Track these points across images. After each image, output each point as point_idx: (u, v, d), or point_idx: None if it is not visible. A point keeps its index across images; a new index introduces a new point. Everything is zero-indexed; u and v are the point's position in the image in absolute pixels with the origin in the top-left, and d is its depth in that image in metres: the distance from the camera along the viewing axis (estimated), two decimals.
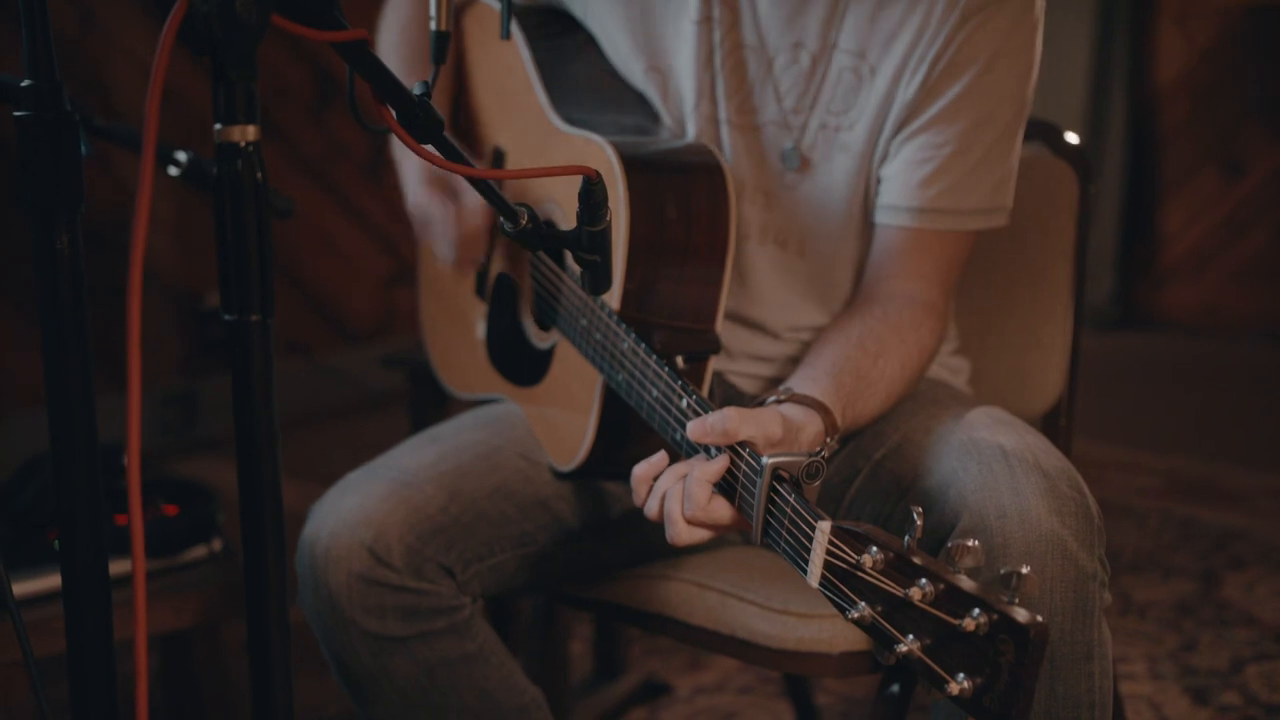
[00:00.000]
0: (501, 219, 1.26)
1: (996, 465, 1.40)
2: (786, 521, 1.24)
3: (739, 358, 1.71)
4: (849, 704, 2.47)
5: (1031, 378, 1.84)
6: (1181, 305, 5.09)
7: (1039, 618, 1.00)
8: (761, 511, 1.27)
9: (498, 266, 1.81)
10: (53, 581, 1.81)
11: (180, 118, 3.68)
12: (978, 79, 1.55)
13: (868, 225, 1.65)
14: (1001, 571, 1.03)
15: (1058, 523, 1.36)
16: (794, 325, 1.69)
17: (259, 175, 0.93)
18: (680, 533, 1.34)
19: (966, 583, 1.04)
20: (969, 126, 1.57)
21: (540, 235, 1.27)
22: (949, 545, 1.07)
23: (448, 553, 1.55)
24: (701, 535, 1.35)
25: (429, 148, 1.14)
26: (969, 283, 1.82)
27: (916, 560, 1.08)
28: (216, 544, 2.00)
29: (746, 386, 1.72)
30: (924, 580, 1.06)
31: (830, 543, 1.17)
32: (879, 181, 1.62)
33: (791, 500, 1.23)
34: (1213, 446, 3.83)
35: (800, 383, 1.47)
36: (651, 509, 1.37)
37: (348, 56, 1.05)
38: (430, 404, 2.44)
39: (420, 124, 1.11)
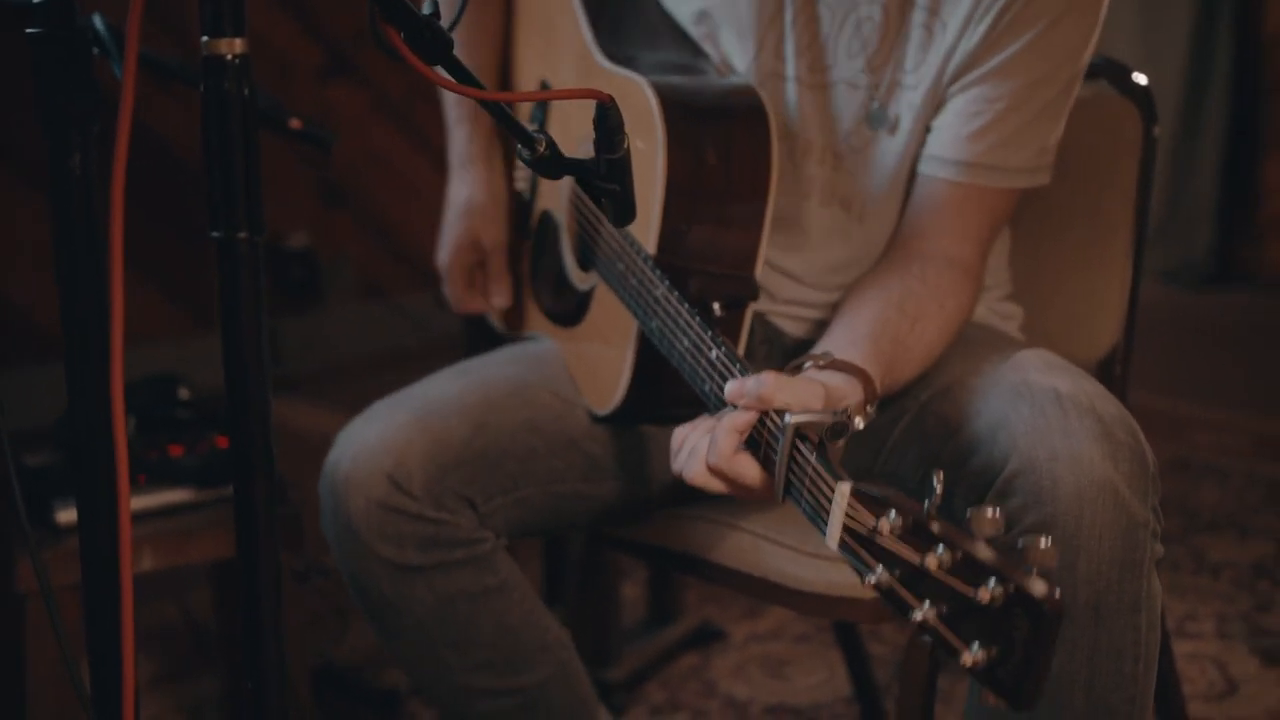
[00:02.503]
0: (519, 145, 1.24)
1: (1050, 408, 1.36)
2: (808, 481, 1.21)
3: (780, 301, 1.67)
4: (902, 654, 2.43)
5: (1086, 325, 1.78)
6: (1266, 263, 4.93)
7: (1056, 592, 0.96)
8: (784, 470, 1.25)
9: (543, 204, 1.79)
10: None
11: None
12: (1042, 35, 1.49)
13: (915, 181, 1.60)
14: (1021, 543, 0.99)
15: (1111, 468, 1.32)
16: (842, 283, 1.64)
17: (246, 90, 0.92)
18: (697, 473, 1.32)
19: (984, 551, 1.01)
20: (1027, 83, 1.51)
21: (557, 163, 1.24)
22: (969, 513, 1.03)
23: (470, 484, 1.55)
24: (717, 485, 1.32)
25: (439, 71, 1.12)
26: (1024, 226, 1.77)
27: (934, 527, 1.05)
28: None
29: (790, 329, 1.69)
30: (941, 547, 1.03)
31: (850, 505, 1.14)
32: (928, 130, 1.57)
33: (813, 460, 1.21)
34: (1263, 401, 3.72)
35: (839, 346, 1.44)
36: (678, 465, 1.35)
37: None
38: (483, 341, 2.45)
39: (428, 44, 1.09)
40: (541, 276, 1.79)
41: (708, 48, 1.64)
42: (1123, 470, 1.33)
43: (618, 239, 1.53)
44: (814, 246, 1.64)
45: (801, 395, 1.29)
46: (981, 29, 1.50)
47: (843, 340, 1.45)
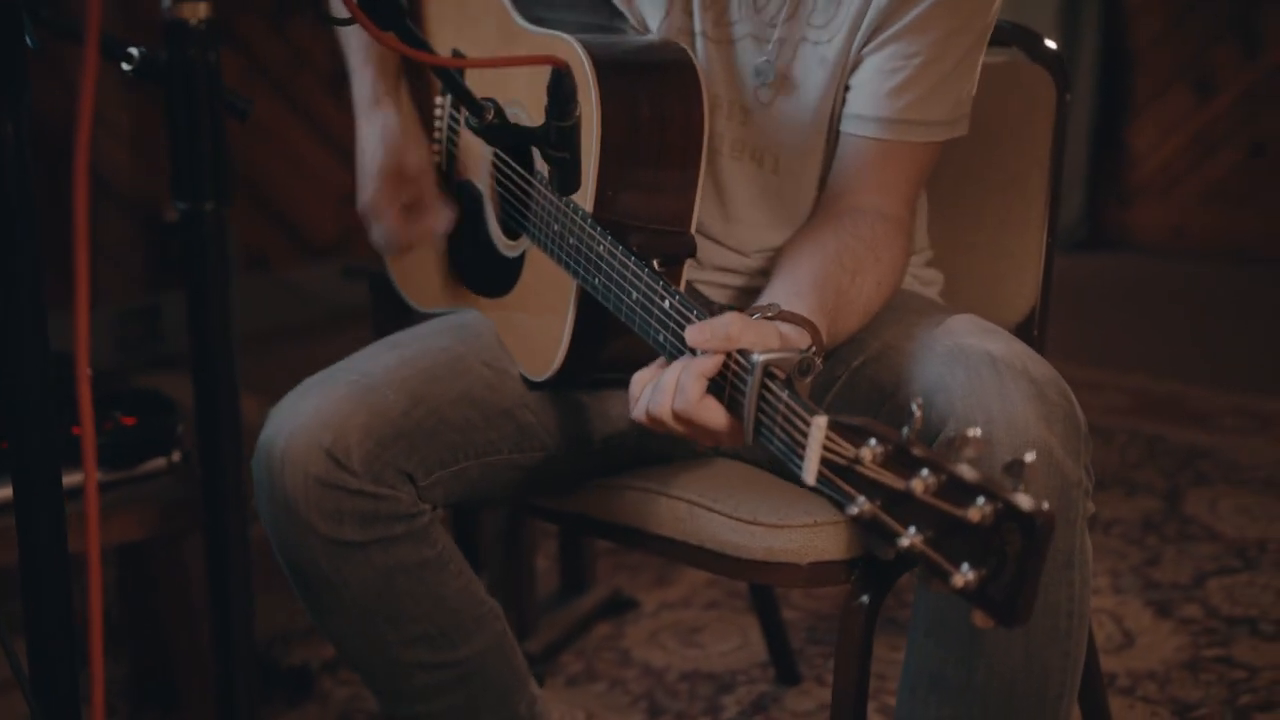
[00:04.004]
0: (466, 114, 1.22)
1: (984, 371, 1.38)
2: (779, 419, 1.21)
3: (708, 269, 1.67)
4: (815, 618, 2.47)
5: (1004, 289, 1.81)
6: (1149, 225, 5.07)
7: (1045, 505, 0.98)
8: (753, 409, 1.24)
9: (460, 174, 1.76)
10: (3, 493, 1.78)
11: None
12: None
13: (837, 137, 1.61)
14: (1007, 459, 1.00)
15: (1044, 429, 1.34)
16: (763, 246, 1.65)
17: (211, 56, 0.89)
18: (662, 412, 1.31)
19: (970, 472, 1.02)
20: (942, 36, 1.53)
21: (507, 131, 1.23)
22: (951, 436, 1.04)
23: (409, 458, 1.52)
24: (680, 429, 1.32)
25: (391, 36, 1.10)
26: (940, 192, 1.79)
27: (917, 452, 1.05)
28: (176, 455, 1.97)
29: (716, 296, 1.69)
30: (925, 471, 1.04)
31: (827, 437, 1.14)
32: (847, 89, 1.58)
33: (784, 397, 1.21)
34: (1179, 367, 3.83)
35: (785, 298, 1.44)
36: (639, 411, 1.34)
37: None
38: (393, 316, 2.40)
39: (383, 9, 1.07)
40: (461, 248, 1.76)
41: (623, 7, 1.63)
42: (1056, 431, 1.36)
43: (552, 201, 1.51)
44: (732, 201, 1.64)
45: (764, 336, 1.30)
46: None
47: (787, 292, 1.46)
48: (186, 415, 2.03)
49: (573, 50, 1.48)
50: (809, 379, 1.23)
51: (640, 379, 1.38)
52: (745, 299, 1.63)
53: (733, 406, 1.29)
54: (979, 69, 1.59)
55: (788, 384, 1.22)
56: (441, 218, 1.71)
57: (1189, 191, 4.99)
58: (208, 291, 0.91)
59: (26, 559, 1.18)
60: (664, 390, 1.32)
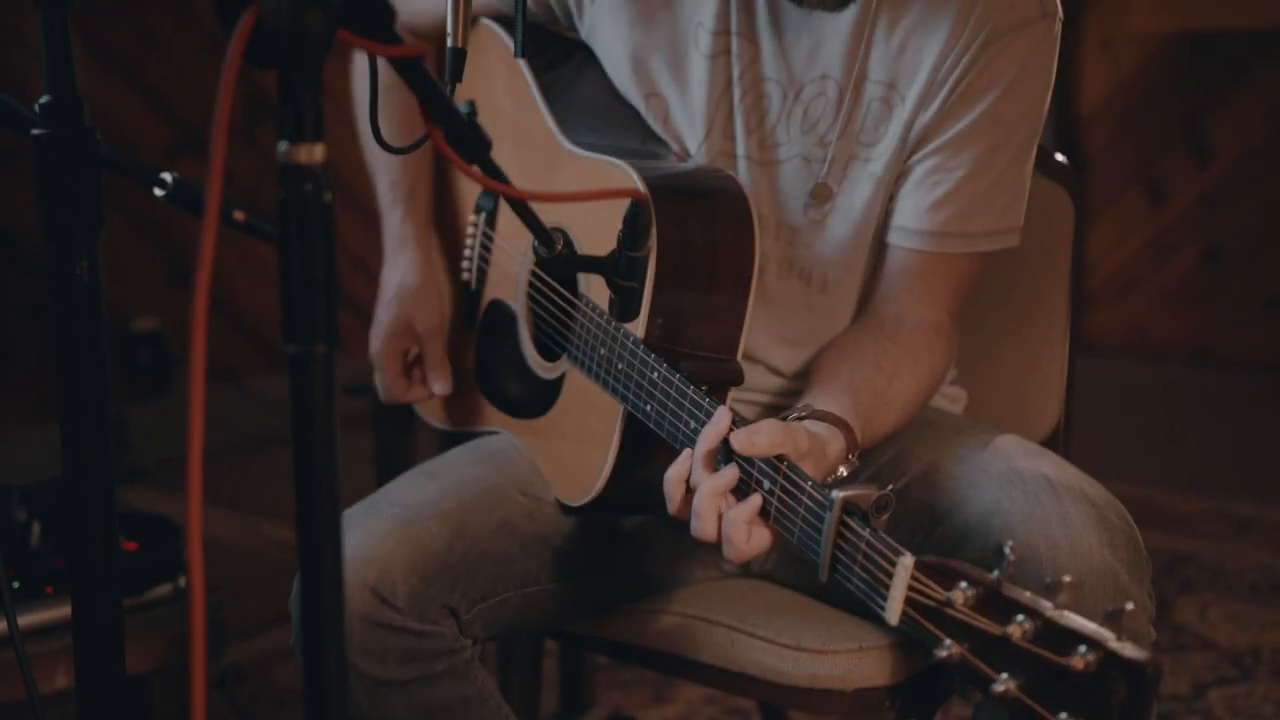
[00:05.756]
0: (536, 243, 1.21)
1: (1044, 495, 1.38)
2: (860, 557, 1.20)
3: (746, 389, 1.66)
4: None
5: (1029, 405, 1.82)
6: (1111, 327, 5.14)
7: (1152, 654, 0.96)
8: (830, 546, 1.23)
9: (491, 294, 1.75)
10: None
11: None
12: (996, 103, 1.53)
13: (881, 248, 1.62)
14: (1108, 608, 0.99)
15: (1109, 555, 1.34)
16: (799, 360, 1.65)
17: (327, 196, 0.87)
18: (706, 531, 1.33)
19: (1071, 619, 1.01)
20: (984, 151, 1.55)
21: (577, 260, 1.22)
22: (1046, 581, 1.03)
23: (452, 593, 1.49)
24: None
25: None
26: (964, 310, 1.80)
27: (1012, 595, 1.05)
28: (182, 581, 1.92)
29: (745, 412, 1.68)
30: (1022, 616, 1.03)
31: (914, 578, 1.13)
32: (890, 199, 1.59)
33: (865, 535, 1.20)
34: (1148, 470, 3.86)
35: (819, 399, 1.45)
36: (709, 531, 1.33)
37: (405, 71, 0.99)
38: (396, 432, 2.38)
39: (469, 143, 1.06)
40: (491, 368, 1.74)
41: (659, 128, 1.63)
42: (1121, 556, 1.35)
43: (598, 324, 1.50)
44: (780, 323, 1.64)
45: (795, 437, 1.32)
46: (937, 102, 1.53)
47: (823, 394, 1.46)
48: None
49: (628, 177, 1.47)
50: (885, 516, 1.22)
51: (673, 476, 1.37)
52: (770, 415, 1.63)
53: (781, 522, 1.29)
54: (1026, 178, 1.61)
55: (864, 520, 1.21)
56: (439, 384, 1.74)
57: (1147, 294, 5.07)
58: (316, 437, 0.88)
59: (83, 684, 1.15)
60: (707, 493, 1.32)
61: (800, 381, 1.63)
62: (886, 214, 1.60)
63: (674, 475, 1.37)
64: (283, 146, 0.87)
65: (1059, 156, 1.84)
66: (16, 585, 1.79)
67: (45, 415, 3.63)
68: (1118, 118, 5.02)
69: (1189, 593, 3.02)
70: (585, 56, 1.69)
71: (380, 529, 1.49)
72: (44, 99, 1.05)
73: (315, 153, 0.87)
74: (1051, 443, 1.80)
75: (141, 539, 1.95)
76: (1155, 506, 3.59)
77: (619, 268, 1.22)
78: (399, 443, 2.52)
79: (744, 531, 1.30)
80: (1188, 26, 4.87)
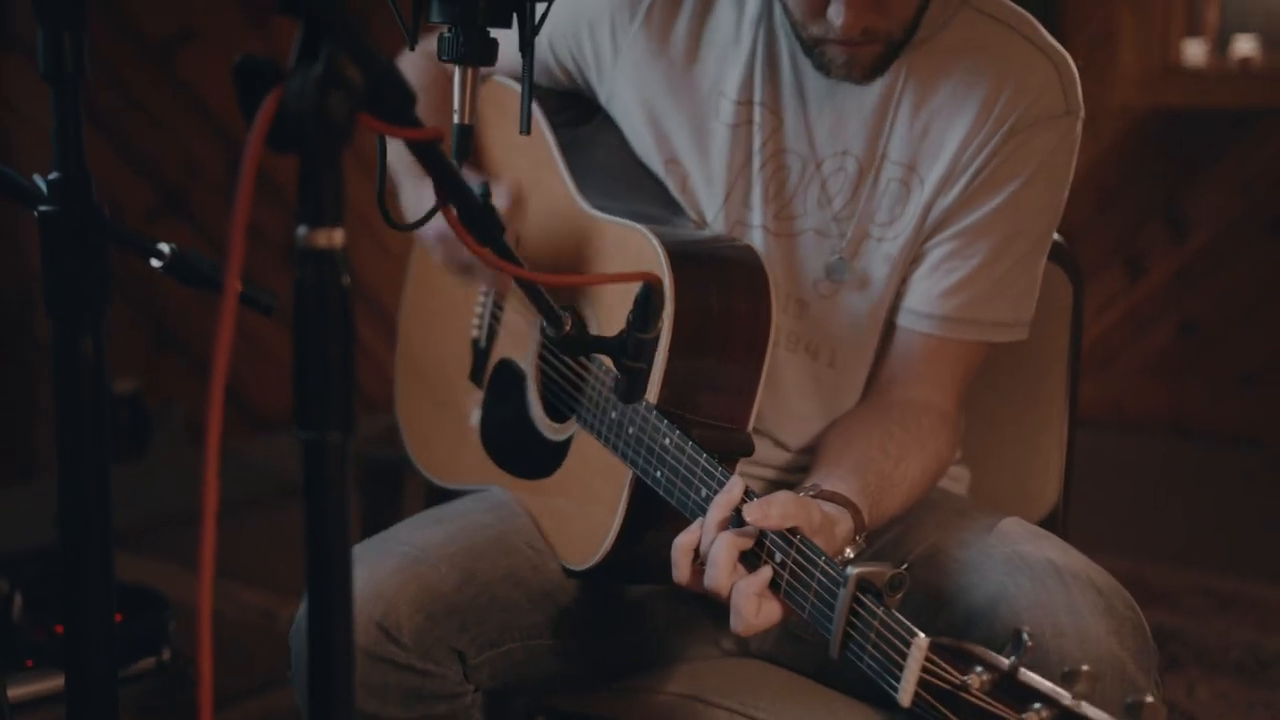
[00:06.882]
0: (544, 323, 1.20)
1: (1050, 581, 1.36)
2: (873, 635, 1.18)
3: (750, 462, 1.65)
4: None
5: (1029, 484, 1.81)
6: (1090, 399, 5.14)
7: None
8: (843, 623, 1.21)
9: (500, 352, 1.73)
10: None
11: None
12: (1016, 194, 1.53)
13: (891, 329, 1.61)
14: (1128, 700, 0.98)
15: (1116, 644, 1.32)
16: (808, 444, 1.64)
17: (345, 280, 0.86)
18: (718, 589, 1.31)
19: (1090, 710, 0.99)
20: (1001, 240, 1.55)
21: (584, 340, 1.21)
22: (1063, 669, 1.02)
23: (460, 635, 1.47)
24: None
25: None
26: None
27: (1029, 683, 1.03)
28: (165, 654, 1.88)
29: (750, 485, 1.67)
30: (1039, 705, 1.01)
31: (928, 660, 1.11)
32: (902, 281, 1.59)
33: (880, 613, 1.18)
34: (1130, 543, 3.85)
35: (827, 479, 1.44)
36: (722, 581, 1.31)
37: (421, 154, 0.98)
38: (384, 492, 2.37)
39: (482, 225, 1.05)
40: (497, 426, 1.73)
41: (677, 194, 1.63)
42: (1128, 645, 1.34)
43: (610, 387, 1.49)
44: (783, 394, 1.63)
45: (809, 510, 1.31)
46: (957, 188, 1.54)
47: (830, 475, 1.45)
48: (177, 611, 1.95)
49: (647, 243, 1.47)
50: (900, 594, 1.21)
51: (683, 544, 1.36)
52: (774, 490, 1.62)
53: (792, 596, 1.28)
54: (1039, 270, 1.61)
55: (878, 598, 1.20)
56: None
57: (1126, 367, 5.09)
58: (327, 528, 0.86)
59: None
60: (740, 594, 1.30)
61: (805, 457, 1.62)
62: (898, 295, 1.59)
63: (683, 543, 1.35)
64: (301, 231, 0.85)
65: (1056, 236, 1.84)
66: None
67: (12, 474, 3.59)
68: (1097, 192, 5.06)
69: (1176, 669, 3.00)
70: (605, 117, 1.70)
71: (388, 565, 1.48)
72: (53, 175, 1.03)
73: (334, 237, 0.86)
74: (1051, 521, 1.79)
75: (125, 610, 1.92)
76: (1139, 581, 3.57)
77: (627, 349, 1.21)
78: (386, 502, 2.51)
79: (754, 604, 1.28)
80: (1167, 103, 4.92)
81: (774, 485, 1.65)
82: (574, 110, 1.71)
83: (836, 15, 1.43)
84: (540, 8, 1.24)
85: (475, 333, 1.78)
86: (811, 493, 1.40)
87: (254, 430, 4.15)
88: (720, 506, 1.33)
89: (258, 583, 3.19)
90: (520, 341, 1.70)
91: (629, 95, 1.64)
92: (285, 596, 3.11)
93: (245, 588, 3.19)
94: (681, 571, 1.35)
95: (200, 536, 0.85)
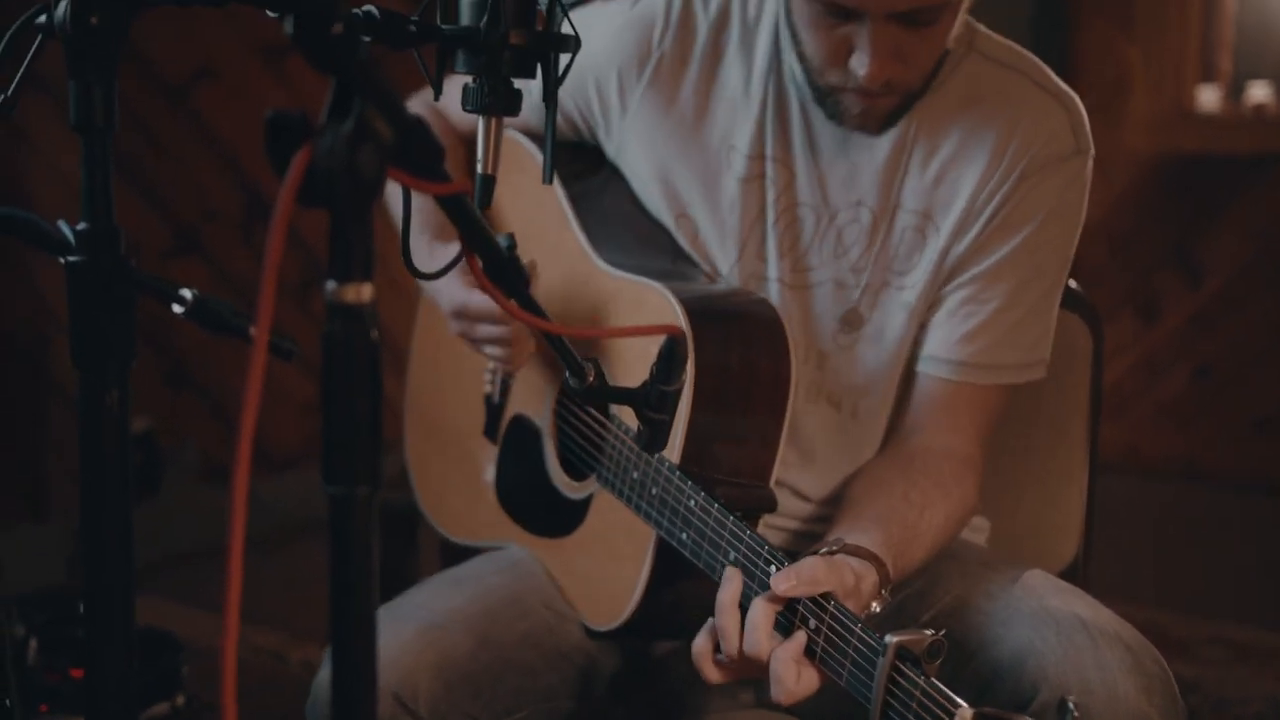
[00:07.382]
0: (568, 374, 1.19)
1: (1078, 637, 1.35)
2: (914, 705, 1.17)
3: (775, 515, 1.65)
4: None
5: (1050, 536, 1.80)
6: (1103, 445, 5.12)
7: None
8: (882, 693, 1.20)
9: (515, 408, 1.73)
10: None
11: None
12: (1031, 237, 1.54)
13: (910, 376, 1.61)
14: None
15: (1145, 702, 1.31)
16: (830, 495, 1.63)
17: (374, 335, 0.85)
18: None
19: None
20: (1017, 284, 1.55)
21: (606, 391, 1.20)
22: None
23: (474, 702, 1.46)
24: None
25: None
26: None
27: None
28: (179, 699, 1.88)
29: (772, 539, 1.66)
30: None
31: None
32: (920, 328, 1.59)
33: (921, 683, 1.17)
34: (1146, 591, 3.82)
35: (850, 533, 1.42)
36: (762, 646, 1.29)
37: (448, 207, 0.98)
38: (399, 546, 2.35)
39: (508, 277, 1.05)
40: (513, 484, 1.72)
41: (689, 248, 1.63)
42: (1156, 704, 1.33)
43: (630, 446, 1.48)
44: (809, 448, 1.63)
45: (840, 573, 1.30)
46: (971, 234, 1.54)
47: (853, 529, 1.44)
48: (191, 655, 1.95)
49: (665, 300, 1.46)
50: (939, 662, 1.20)
51: (726, 600, 1.34)
52: (802, 543, 1.61)
53: (827, 662, 1.27)
54: (1055, 312, 1.61)
55: (917, 666, 1.19)
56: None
57: (1140, 412, 5.07)
58: (355, 580, 0.86)
59: None
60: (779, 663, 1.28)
61: (827, 508, 1.61)
62: (916, 342, 1.59)
63: (726, 600, 1.34)
64: (330, 285, 0.85)
65: (1072, 283, 1.84)
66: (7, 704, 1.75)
67: (25, 514, 3.58)
68: (1110, 236, 5.06)
69: None
70: (612, 170, 1.70)
71: (404, 634, 1.47)
72: (81, 225, 1.03)
73: (363, 292, 0.86)
74: (1072, 572, 1.78)
75: (140, 654, 1.91)
76: (1155, 629, 3.52)
77: (650, 401, 1.20)
78: (402, 558, 2.49)
79: (793, 670, 1.27)
80: (1180, 149, 4.93)
81: (796, 536, 1.64)
82: (581, 163, 1.71)
83: (860, 65, 1.43)
84: (565, 59, 1.24)
85: (488, 388, 1.78)
86: (835, 547, 1.39)
87: (266, 470, 4.14)
88: (725, 611, 1.32)
89: (268, 624, 3.17)
90: (535, 397, 1.69)
91: (638, 150, 1.64)
92: (297, 638, 3.09)
93: (255, 629, 3.17)
94: (710, 674, 1.34)
95: (225, 589, 0.84)
